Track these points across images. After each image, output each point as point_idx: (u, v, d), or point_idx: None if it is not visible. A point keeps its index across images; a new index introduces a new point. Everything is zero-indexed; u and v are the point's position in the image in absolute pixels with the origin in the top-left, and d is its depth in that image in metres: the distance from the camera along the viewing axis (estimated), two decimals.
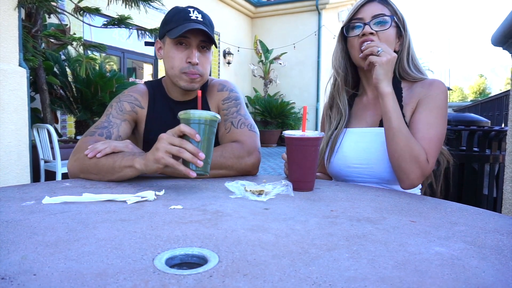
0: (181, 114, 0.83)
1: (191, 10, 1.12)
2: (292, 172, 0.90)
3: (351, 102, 1.19)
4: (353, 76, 1.19)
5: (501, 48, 2.14)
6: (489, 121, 2.43)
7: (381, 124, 1.07)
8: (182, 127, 0.81)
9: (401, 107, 1.06)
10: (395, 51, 1.09)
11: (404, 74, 1.11)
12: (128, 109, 1.16)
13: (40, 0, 3.13)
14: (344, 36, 1.13)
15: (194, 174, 0.81)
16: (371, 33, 1.04)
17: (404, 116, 1.04)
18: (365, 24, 1.05)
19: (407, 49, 1.10)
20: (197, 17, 1.11)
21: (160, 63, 8.27)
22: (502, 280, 0.41)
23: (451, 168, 1.98)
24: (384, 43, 1.04)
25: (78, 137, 4.47)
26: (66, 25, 4.55)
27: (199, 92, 0.91)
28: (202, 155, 0.80)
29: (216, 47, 1.15)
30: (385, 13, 1.06)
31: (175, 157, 0.82)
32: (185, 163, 0.82)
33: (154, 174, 1.02)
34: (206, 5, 8.76)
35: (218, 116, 0.83)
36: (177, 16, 1.11)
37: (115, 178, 0.94)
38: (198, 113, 0.81)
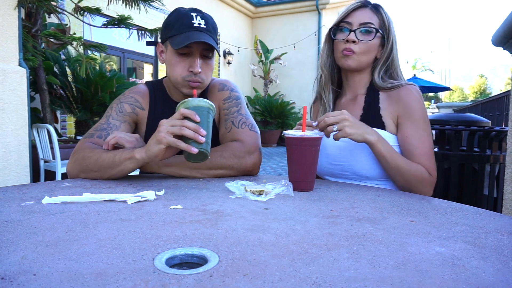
0: (180, 104, 0.88)
1: (194, 15, 1.07)
2: (292, 172, 0.90)
3: (335, 102, 1.24)
4: (338, 75, 1.22)
5: (501, 48, 2.14)
6: (490, 121, 2.43)
7: None
8: (182, 110, 0.85)
9: (378, 109, 1.11)
10: (376, 58, 1.14)
11: (375, 83, 1.14)
12: (129, 110, 1.15)
13: (40, 0, 3.13)
14: (331, 37, 1.16)
15: (195, 150, 0.83)
16: (353, 41, 1.08)
17: (381, 117, 1.10)
18: (351, 30, 1.09)
19: (384, 59, 1.12)
20: (200, 23, 1.06)
21: (161, 63, 8.27)
22: (503, 280, 0.41)
23: (451, 168, 1.98)
24: (364, 51, 1.09)
25: (78, 137, 4.47)
26: (66, 25, 4.55)
27: (195, 91, 0.96)
28: (203, 131, 0.84)
29: (219, 55, 1.14)
30: (373, 23, 1.08)
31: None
32: (186, 142, 0.85)
33: (155, 172, 1.02)
34: (206, 5, 8.77)
35: (214, 105, 0.89)
36: (179, 22, 1.06)
37: (116, 173, 0.94)
38: (196, 101, 0.87)
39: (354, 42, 1.07)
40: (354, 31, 1.08)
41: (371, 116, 1.11)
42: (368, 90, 1.15)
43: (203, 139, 0.83)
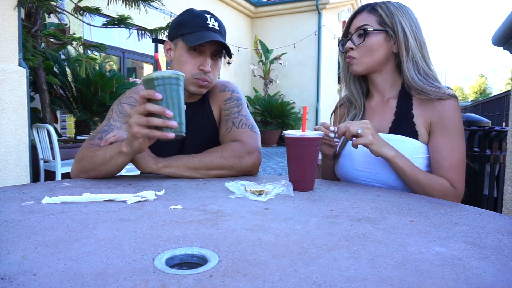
0: (143, 78, 0.84)
1: (208, 16, 1.10)
2: (292, 172, 0.90)
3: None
4: (365, 80, 1.21)
5: (501, 48, 2.14)
6: (490, 121, 2.43)
7: (390, 131, 1.08)
8: (141, 92, 0.82)
9: (411, 116, 1.06)
10: (393, 53, 1.09)
11: (408, 83, 1.06)
12: (129, 111, 1.15)
13: (40, 0, 3.13)
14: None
15: (172, 135, 0.82)
16: (351, 48, 1.09)
17: (415, 125, 1.05)
18: (348, 39, 1.11)
19: (405, 53, 1.05)
20: (214, 25, 1.09)
21: (161, 63, 8.26)
22: (503, 280, 0.41)
23: None
24: (365, 53, 1.07)
25: (78, 137, 4.47)
26: (66, 24, 4.55)
27: (156, 55, 0.91)
28: (169, 112, 0.80)
29: (230, 57, 1.15)
30: (368, 23, 1.07)
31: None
32: (160, 127, 0.83)
33: (154, 172, 1.02)
34: (206, 5, 8.77)
35: (180, 73, 0.83)
36: (193, 22, 1.08)
37: (109, 168, 0.95)
38: (155, 74, 0.81)
39: (351, 49, 1.09)
40: (350, 38, 1.10)
41: (404, 122, 1.06)
42: (400, 94, 1.10)
43: (174, 124, 0.81)
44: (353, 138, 0.96)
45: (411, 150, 1.02)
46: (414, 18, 1.08)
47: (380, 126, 1.10)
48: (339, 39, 1.19)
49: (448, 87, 1.06)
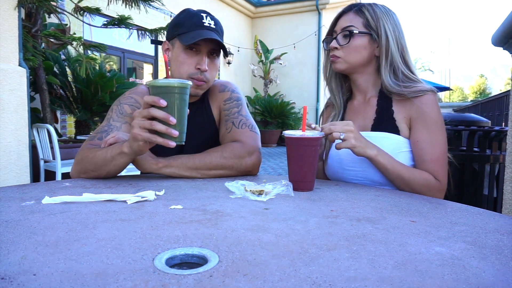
0: (148, 83, 0.84)
1: (204, 15, 1.10)
2: (292, 172, 0.90)
3: (345, 106, 1.23)
4: (347, 80, 1.22)
5: (501, 48, 2.15)
6: (490, 121, 2.43)
7: (372, 129, 1.10)
8: (145, 98, 0.82)
9: (391, 112, 1.08)
10: (375, 56, 1.11)
11: (385, 87, 1.08)
12: (129, 111, 1.15)
13: (40, 0, 3.14)
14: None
15: (173, 143, 0.83)
16: (336, 48, 1.10)
17: (395, 121, 1.07)
18: (333, 38, 1.12)
19: (384, 57, 1.07)
20: (210, 23, 1.09)
21: (161, 63, 8.28)
22: (503, 280, 0.41)
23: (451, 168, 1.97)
24: (349, 53, 1.09)
25: (78, 137, 4.48)
26: (66, 25, 4.55)
27: (165, 57, 0.90)
28: (173, 120, 0.81)
29: (227, 55, 1.15)
30: (353, 25, 1.08)
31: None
32: (162, 134, 0.83)
33: (155, 172, 1.02)
34: (206, 5, 8.77)
35: (187, 82, 0.83)
36: (190, 21, 1.09)
37: (111, 169, 0.95)
38: (162, 82, 0.81)
39: (336, 48, 1.10)
40: (336, 37, 1.11)
41: (385, 120, 1.08)
42: (380, 92, 1.12)
43: (176, 133, 0.82)
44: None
45: (393, 146, 1.04)
46: (398, 23, 1.11)
47: (363, 125, 1.13)
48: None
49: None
